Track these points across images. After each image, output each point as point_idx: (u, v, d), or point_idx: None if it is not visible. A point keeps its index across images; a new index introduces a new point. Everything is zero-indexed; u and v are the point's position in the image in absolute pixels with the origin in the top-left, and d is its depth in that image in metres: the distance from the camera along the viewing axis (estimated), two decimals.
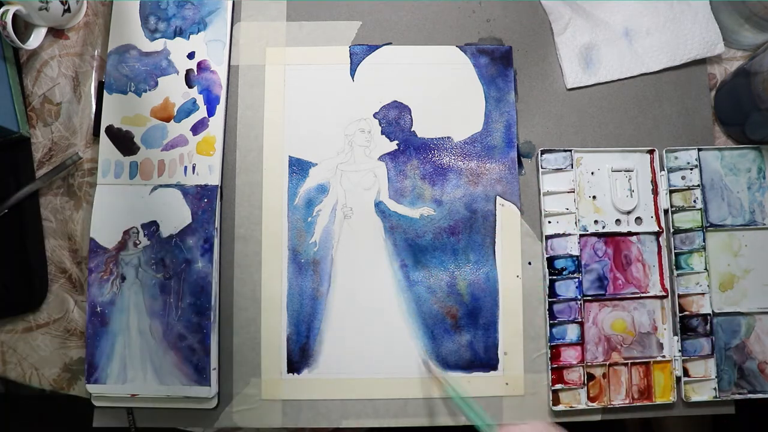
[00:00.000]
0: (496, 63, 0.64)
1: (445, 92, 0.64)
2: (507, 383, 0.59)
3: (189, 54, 0.63)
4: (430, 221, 0.61)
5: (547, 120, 0.64)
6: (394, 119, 0.63)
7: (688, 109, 0.64)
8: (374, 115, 0.63)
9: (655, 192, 0.62)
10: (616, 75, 0.64)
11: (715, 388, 0.59)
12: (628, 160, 0.62)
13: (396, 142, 0.63)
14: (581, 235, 0.61)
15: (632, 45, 0.64)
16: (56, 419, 1.08)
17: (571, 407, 0.58)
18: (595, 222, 0.61)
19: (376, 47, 0.64)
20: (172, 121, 0.61)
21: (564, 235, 0.61)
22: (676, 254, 0.60)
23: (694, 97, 0.64)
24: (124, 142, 0.61)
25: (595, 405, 0.58)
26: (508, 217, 0.61)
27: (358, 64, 0.64)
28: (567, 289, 0.60)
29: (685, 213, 0.61)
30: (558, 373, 0.59)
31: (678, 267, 0.60)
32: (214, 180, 0.60)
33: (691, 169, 0.62)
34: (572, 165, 0.62)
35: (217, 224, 0.60)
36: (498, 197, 0.62)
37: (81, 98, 0.64)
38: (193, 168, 0.61)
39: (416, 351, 0.59)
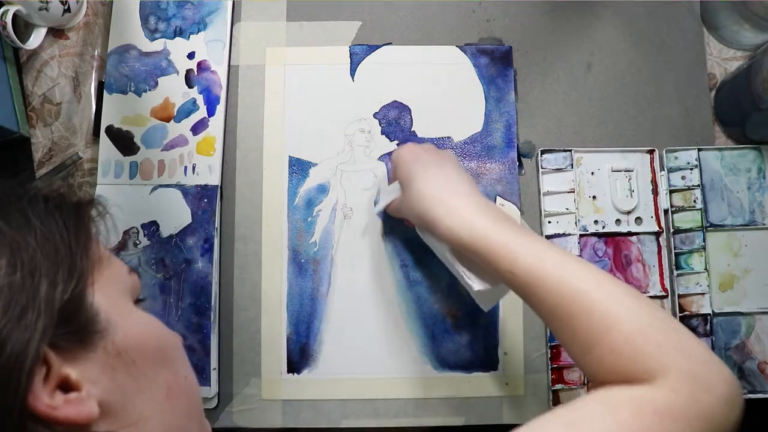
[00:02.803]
0: (496, 63, 0.64)
1: (445, 92, 0.64)
2: (507, 383, 0.59)
3: (189, 54, 0.63)
4: None
5: (547, 120, 0.64)
6: (394, 119, 0.63)
7: (688, 109, 0.64)
8: (374, 115, 0.63)
9: (655, 192, 0.62)
10: None
11: None
12: (628, 160, 0.62)
13: (396, 142, 0.63)
14: (581, 235, 0.61)
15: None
16: None
17: None
18: (595, 222, 0.61)
19: (376, 47, 0.64)
20: (172, 121, 0.61)
21: (564, 235, 0.61)
22: (676, 254, 0.60)
23: (694, 97, 0.64)
24: (124, 142, 0.61)
25: None
26: None
27: (358, 64, 0.64)
28: None
29: (685, 213, 0.61)
30: (558, 373, 0.59)
31: (678, 267, 0.60)
32: (214, 180, 0.60)
33: (691, 169, 0.61)
34: (572, 165, 0.61)
35: (217, 224, 0.60)
36: (498, 197, 0.62)
37: (81, 98, 0.64)
38: (193, 168, 0.61)
39: (416, 351, 0.59)
